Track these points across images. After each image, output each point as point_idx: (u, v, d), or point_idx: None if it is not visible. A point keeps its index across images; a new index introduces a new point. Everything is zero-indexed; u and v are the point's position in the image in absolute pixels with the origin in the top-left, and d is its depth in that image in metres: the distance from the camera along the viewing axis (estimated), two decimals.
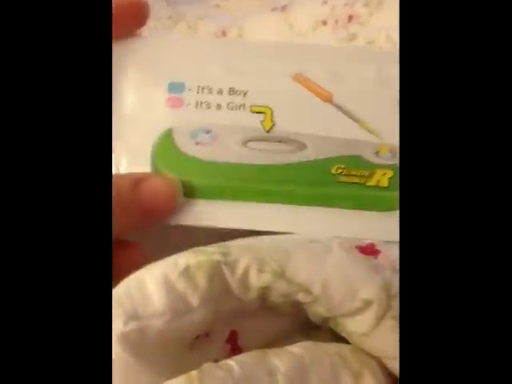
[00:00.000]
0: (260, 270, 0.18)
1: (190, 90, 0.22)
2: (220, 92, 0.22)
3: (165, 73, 0.22)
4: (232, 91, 0.22)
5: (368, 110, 0.22)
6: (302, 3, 0.38)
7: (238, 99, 0.22)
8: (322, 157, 0.21)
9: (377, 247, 0.19)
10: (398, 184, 0.16)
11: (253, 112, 0.22)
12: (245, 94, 0.22)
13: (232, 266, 0.18)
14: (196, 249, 0.18)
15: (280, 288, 0.18)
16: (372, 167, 0.21)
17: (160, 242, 0.19)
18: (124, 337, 0.16)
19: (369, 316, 0.17)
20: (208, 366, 0.16)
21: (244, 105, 0.22)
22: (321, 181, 0.21)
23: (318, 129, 0.22)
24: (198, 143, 0.22)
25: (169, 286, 0.17)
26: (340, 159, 0.21)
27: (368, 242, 0.20)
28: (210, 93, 0.22)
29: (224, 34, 0.40)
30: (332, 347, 0.18)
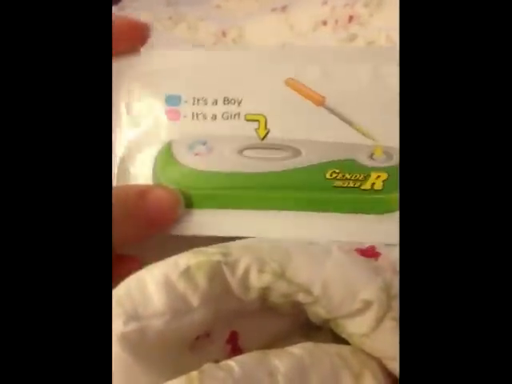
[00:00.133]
0: (260, 271, 0.18)
1: (186, 102, 0.22)
2: (215, 102, 0.22)
3: (162, 85, 0.23)
4: (226, 101, 0.22)
5: (361, 112, 0.22)
6: (302, 4, 0.38)
7: (232, 108, 0.22)
8: (316, 162, 0.22)
9: (377, 249, 0.19)
10: (398, 185, 0.16)
11: (247, 120, 0.22)
12: (239, 102, 0.22)
13: (232, 267, 0.18)
14: (196, 249, 0.18)
15: (280, 288, 0.18)
16: (366, 170, 0.21)
17: (159, 252, 0.19)
18: (124, 337, 0.16)
19: (369, 317, 0.17)
20: (208, 367, 0.16)
21: (239, 114, 0.22)
22: (316, 186, 0.21)
23: (312, 134, 0.22)
24: (195, 154, 0.22)
25: (169, 287, 0.17)
26: (334, 164, 0.21)
27: (368, 244, 0.20)
28: (205, 104, 0.22)
29: (224, 34, 0.40)
30: (332, 348, 0.18)
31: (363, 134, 0.22)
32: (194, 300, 0.17)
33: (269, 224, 0.21)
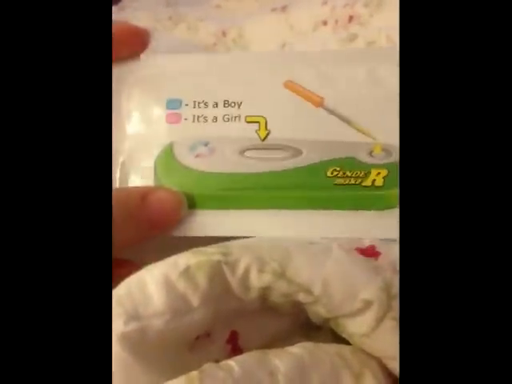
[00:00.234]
0: (260, 270, 0.18)
1: (186, 105, 0.23)
2: (215, 105, 0.23)
3: (162, 90, 0.23)
4: (227, 103, 0.23)
5: (359, 111, 0.22)
6: (302, 3, 0.38)
7: (232, 111, 0.23)
8: (317, 161, 0.22)
9: (377, 249, 0.19)
10: (398, 182, 0.16)
11: (248, 122, 0.22)
12: (239, 105, 0.23)
13: (232, 266, 0.18)
14: (196, 249, 0.18)
15: (280, 288, 0.18)
16: (366, 167, 0.22)
17: (159, 252, 0.19)
18: (124, 337, 0.16)
19: (369, 317, 0.17)
20: (208, 367, 0.16)
21: (239, 116, 0.22)
22: (318, 184, 0.22)
23: (312, 133, 0.22)
24: (197, 156, 0.22)
25: (169, 286, 0.17)
26: (335, 162, 0.22)
27: (368, 243, 0.20)
28: (206, 107, 0.23)
29: (224, 34, 0.40)
30: (332, 348, 0.18)
31: (362, 132, 0.22)
32: (194, 300, 0.17)
33: (271, 223, 0.21)
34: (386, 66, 0.22)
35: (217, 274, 0.18)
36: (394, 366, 0.17)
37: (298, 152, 0.22)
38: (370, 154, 0.22)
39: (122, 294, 0.17)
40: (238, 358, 0.17)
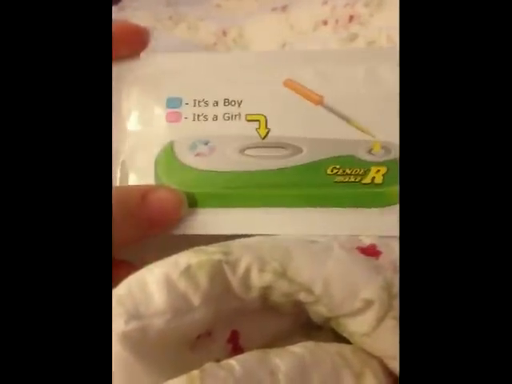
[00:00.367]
0: (261, 270, 0.18)
1: (187, 104, 0.23)
2: (215, 104, 0.23)
3: (162, 89, 0.23)
4: (227, 102, 0.23)
5: (358, 109, 0.22)
6: (302, 3, 0.38)
7: (233, 109, 0.23)
8: (317, 159, 0.22)
9: (378, 248, 0.19)
10: (398, 179, 0.16)
11: (248, 121, 0.22)
12: (239, 103, 0.23)
13: (233, 266, 0.18)
14: (197, 248, 0.18)
15: (281, 288, 0.18)
16: (366, 165, 0.22)
17: (159, 252, 0.19)
18: (125, 336, 0.16)
19: (370, 316, 0.17)
20: (209, 366, 0.16)
21: (239, 114, 0.23)
22: (318, 182, 0.22)
23: (312, 132, 0.22)
24: (197, 154, 0.22)
25: (170, 286, 0.17)
26: (335, 160, 0.22)
27: (369, 243, 0.20)
28: (206, 105, 0.23)
29: (224, 34, 0.40)
30: (333, 347, 0.18)
31: (361, 130, 0.22)
32: (195, 299, 0.17)
33: (272, 221, 0.22)
34: (385, 65, 0.22)
35: (218, 274, 0.18)
36: (395, 365, 0.17)
37: (298, 150, 0.22)
38: (370, 151, 0.22)
39: (123, 293, 0.17)
40: (239, 357, 0.17)
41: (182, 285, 0.17)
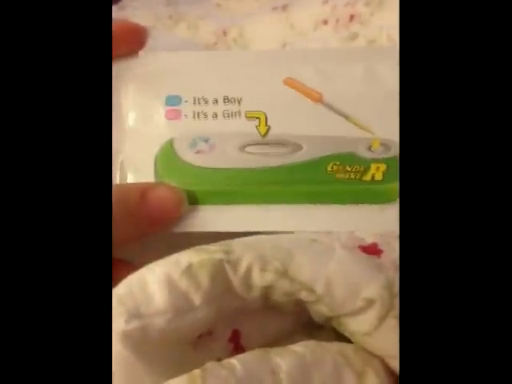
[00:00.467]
0: (263, 269, 0.18)
1: (186, 101, 0.23)
2: (215, 101, 0.23)
3: (162, 87, 0.23)
4: (227, 100, 0.23)
5: (357, 107, 0.22)
6: (302, 2, 0.38)
7: (232, 107, 0.23)
8: (317, 156, 0.22)
9: (379, 247, 0.19)
10: (398, 176, 0.16)
11: (248, 118, 0.22)
12: (239, 101, 0.23)
13: (234, 265, 0.18)
14: (198, 247, 0.18)
15: (283, 287, 0.18)
16: (366, 162, 0.22)
17: (159, 250, 0.19)
18: (126, 335, 0.16)
19: (371, 315, 0.17)
20: (211, 365, 0.16)
21: (239, 112, 0.23)
22: (318, 179, 0.22)
23: (312, 129, 0.22)
24: (197, 152, 0.22)
25: (171, 285, 0.17)
26: (335, 157, 0.22)
27: (371, 241, 0.20)
28: (206, 103, 0.23)
29: (225, 33, 0.40)
30: (334, 346, 0.18)
31: (360, 128, 0.22)
32: (196, 298, 0.17)
33: (272, 218, 0.22)
34: (384, 63, 0.23)
35: (219, 273, 0.18)
36: (396, 364, 0.17)
37: (298, 147, 0.22)
38: (369, 148, 0.22)
39: (123, 292, 0.17)
40: (241, 356, 0.17)
41: (183, 284, 0.17)
